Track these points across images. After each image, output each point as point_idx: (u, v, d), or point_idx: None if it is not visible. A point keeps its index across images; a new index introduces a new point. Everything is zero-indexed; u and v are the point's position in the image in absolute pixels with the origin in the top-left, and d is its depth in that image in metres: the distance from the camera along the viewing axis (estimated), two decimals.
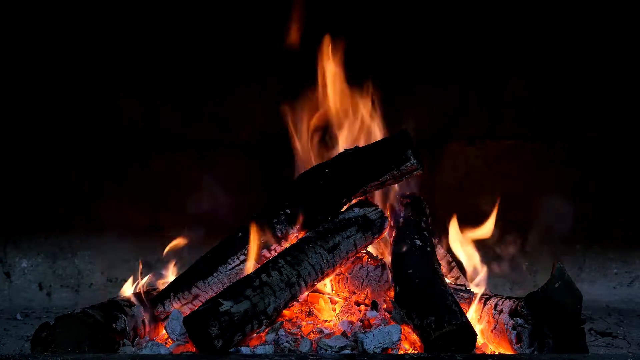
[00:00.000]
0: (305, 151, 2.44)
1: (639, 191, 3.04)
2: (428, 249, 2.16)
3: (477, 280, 2.26)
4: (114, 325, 1.94)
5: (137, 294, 2.14)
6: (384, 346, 1.83)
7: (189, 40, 2.95)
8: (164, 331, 2.09)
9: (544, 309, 1.80)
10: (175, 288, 2.18)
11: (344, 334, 1.95)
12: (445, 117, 3.04)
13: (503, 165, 3.06)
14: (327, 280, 2.23)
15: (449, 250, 2.42)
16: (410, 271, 2.01)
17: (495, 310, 1.97)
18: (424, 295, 1.91)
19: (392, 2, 2.91)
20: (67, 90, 2.98)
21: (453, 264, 2.42)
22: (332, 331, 2.01)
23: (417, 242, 2.16)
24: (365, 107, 2.44)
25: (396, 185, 2.34)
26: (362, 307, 2.20)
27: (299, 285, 1.99)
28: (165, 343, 2.03)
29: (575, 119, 3.03)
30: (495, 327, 1.95)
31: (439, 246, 2.40)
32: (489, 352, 1.95)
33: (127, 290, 2.22)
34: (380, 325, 2.00)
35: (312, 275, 2.02)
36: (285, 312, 2.07)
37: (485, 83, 3.01)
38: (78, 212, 3.04)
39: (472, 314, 2.04)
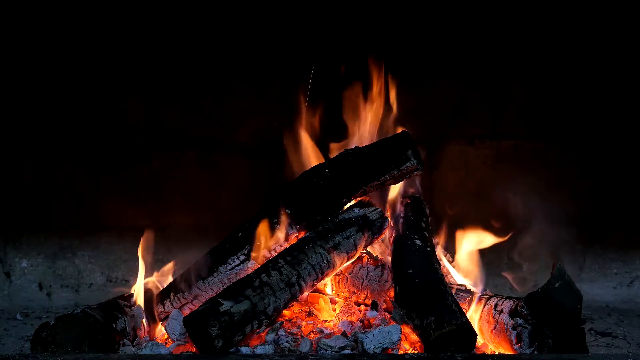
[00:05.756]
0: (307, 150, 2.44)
1: (638, 191, 3.04)
2: (428, 249, 2.16)
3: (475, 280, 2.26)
4: (114, 325, 1.94)
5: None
6: (384, 346, 1.83)
7: (190, 40, 2.95)
8: (164, 331, 2.09)
9: (544, 309, 1.80)
10: (175, 288, 2.19)
11: (344, 334, 1.95)
12: (445, 116, 3.03)
13: (503, 165, 3.06)
14: (327, 280, 2.23)
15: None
16: (410, 271, 2.01)
17: (495, 310, 1.97)
18: (424, 295, 1.91)
19: (395, 3, 2.91)
20: (68, 90, 2.97)
21: (453, 263, 2.42)
22: (332, 331, 2.01)
23: (417, 242, 2.16)
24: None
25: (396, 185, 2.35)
26: (362, 307, 2.21)
27: (299, 285, 1.99)
28: (165, 343, 2.03)
29: (575, 119, 3.02)
30: (495, 327, 1.95)
31: (439, 246, 2.41)
32: (489, 352, 1.95)
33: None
34: (380, 325, 2.00)
35: (312, 275, 2.02)
36: (285, 312, 2.07)
37: (485, 83, 3.00)
38: (78, 212, 3.04)
39: (472, 314, 2.04)
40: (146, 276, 2.24)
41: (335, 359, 1.76)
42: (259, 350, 1.85)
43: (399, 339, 1.85)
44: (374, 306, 2.16)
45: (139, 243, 2.27)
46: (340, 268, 2.18)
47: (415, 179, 2.43)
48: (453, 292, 2.02)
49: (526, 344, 1.82)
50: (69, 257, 3.07)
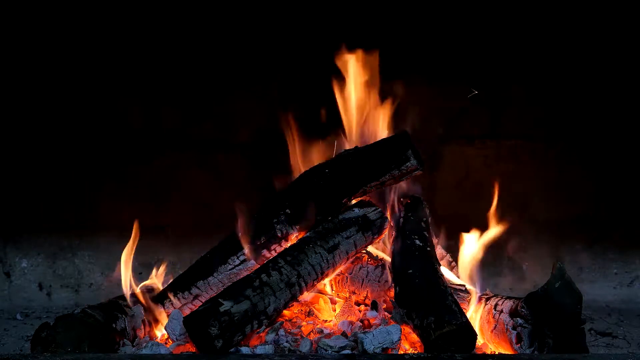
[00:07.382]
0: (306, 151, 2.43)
1: (638, 191, 3.05)
2: (428, 249, 2.16)
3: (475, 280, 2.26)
4: (114, 325, 1.94)
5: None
6: (384, 346, 1.83)
7: (191, 43, 2.95)
8: (164, 331, 2.09)
9: (544, 309, 1.80)
10: (175, 288, 2.19)
11: (344, 334, 1.95)
12: (445, 117, 3.03)
13: (503, 165, 3.06)
14: (327, 280, 2.23)
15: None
16: (410, 271, 2.01)
17: (495, 310, 1.97)
18: (424, 295, 1.91)
19: (396, 5, 2.92)
20: (69, 91, 2.98)
21: (453, 264, 2.42)
22: (332, 331, 2.01)
23: (417, 242, 2.16)
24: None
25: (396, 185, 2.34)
26: (362, 307, 2.20)
27: (299, 286, 1.99)
28: (165, 343, 2.03)
29: (575, 120, 3.03)
30: (495, 327, 1.95)
31: (439, 246, 2.40)
32: (489, 352, 1.95)
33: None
34: (380, 325, 2.00)
35: (312, 275, 2.02)
36: (285, 312, 2.07)
37: (485, 83, 3.00)
38: (78, 212, 3.04)
39: (472, 314, 2.04)
40: (145, 277, 2.25)
41: (335, 359, 1.76)
42: (259, 350, 1.85)
43: (399, 339, 1.85)
44: (374, 306, 2.16)
45: (139, 243, 2.27)
46: (340, 268, 2.18)
47: (416, 179, 2.43)
48: (452, 292, 2.02)
49: (526, 344, 1.82)
50: (69, 257, 3.07)
